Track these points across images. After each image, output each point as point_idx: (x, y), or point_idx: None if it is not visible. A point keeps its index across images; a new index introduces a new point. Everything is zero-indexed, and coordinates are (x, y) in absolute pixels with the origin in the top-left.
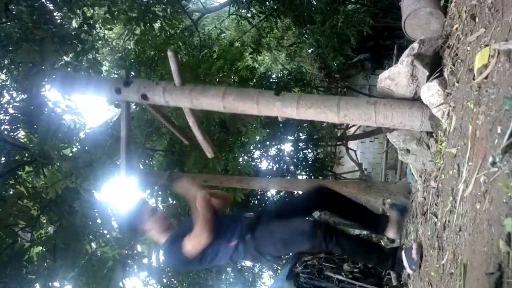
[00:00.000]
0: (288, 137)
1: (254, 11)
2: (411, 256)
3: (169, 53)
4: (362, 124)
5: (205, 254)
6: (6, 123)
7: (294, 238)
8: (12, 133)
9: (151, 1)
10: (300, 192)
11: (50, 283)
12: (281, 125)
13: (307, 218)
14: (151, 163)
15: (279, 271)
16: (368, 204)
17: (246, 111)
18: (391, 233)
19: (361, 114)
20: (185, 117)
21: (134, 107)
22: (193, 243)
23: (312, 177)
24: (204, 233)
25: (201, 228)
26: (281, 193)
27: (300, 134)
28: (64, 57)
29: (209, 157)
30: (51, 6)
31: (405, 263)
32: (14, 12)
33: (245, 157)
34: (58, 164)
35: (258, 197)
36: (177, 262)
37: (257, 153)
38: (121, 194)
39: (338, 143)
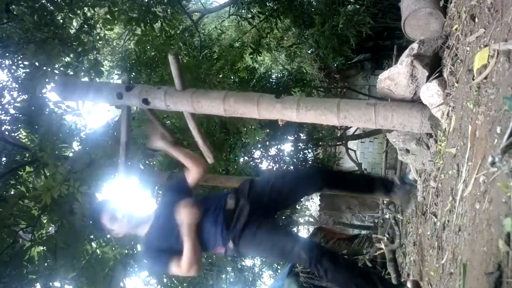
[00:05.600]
0: (288, 137)
1: (254, 11)
2: None
3: (170, 58)
4: (362, 126)
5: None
6: (7, 124)
7: (280, 254)
8: (13, 134)
9: (152, 2)
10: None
11: (50, 283)
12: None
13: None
14: (151, 163)
15: (279, 271)
16: None
17: (247, 114)
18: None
19: (361, 115)
20: (185, 120)
21: (135, 108)
22: (180, 273)
23: None
24: (193, 267)
25: (188, 261)
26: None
27: (300, 134)
28: (66, 58)
29: (209, 162)
30: (51, 7)
31: None
32: (15, 13)
33: (246, 158)
34: (55, 168)
35: None
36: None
37: (257, 153)
38: (121, 194)
39: (338, 143)
